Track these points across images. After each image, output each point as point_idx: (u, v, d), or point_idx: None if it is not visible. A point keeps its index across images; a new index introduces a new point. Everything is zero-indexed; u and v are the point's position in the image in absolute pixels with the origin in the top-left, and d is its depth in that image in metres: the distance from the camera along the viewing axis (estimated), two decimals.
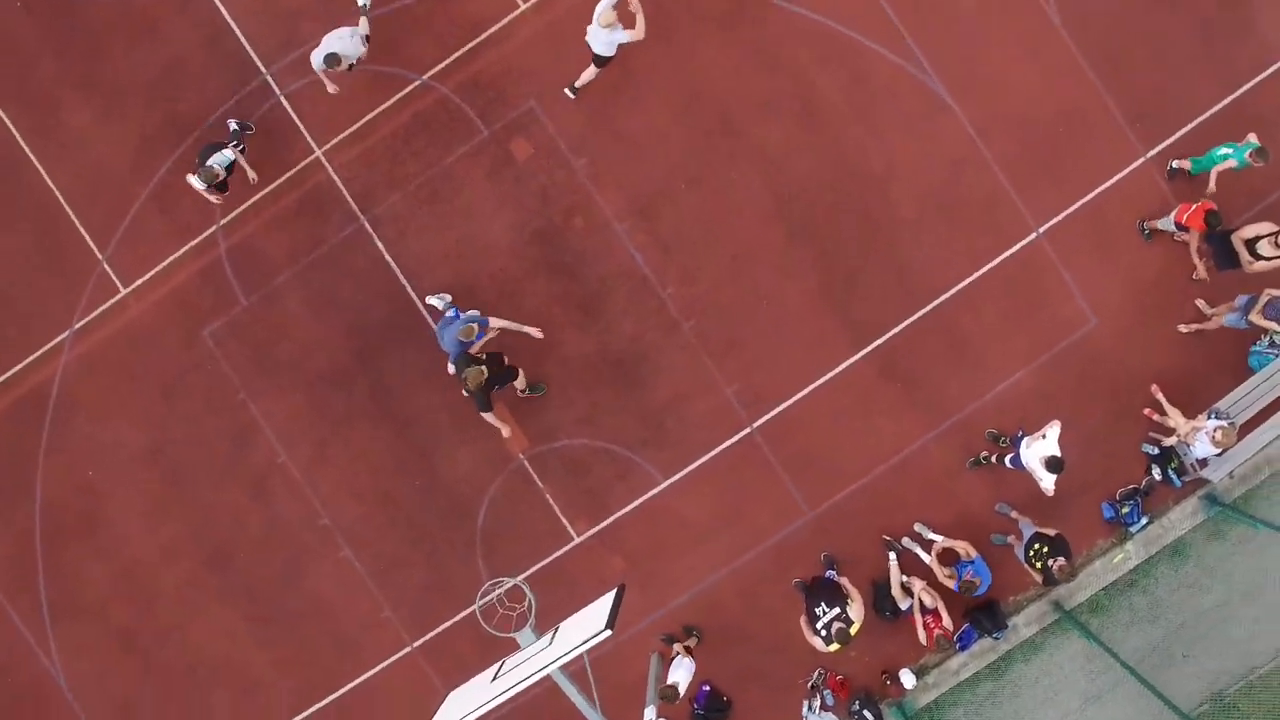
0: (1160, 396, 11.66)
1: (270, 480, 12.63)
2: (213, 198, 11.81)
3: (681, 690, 10.98)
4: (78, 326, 12.51)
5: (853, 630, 10.72)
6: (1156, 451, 12.05)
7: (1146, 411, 11.97)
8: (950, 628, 11.57)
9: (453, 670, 12.39)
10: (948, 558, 11.75)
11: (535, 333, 11.85)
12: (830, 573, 11.87)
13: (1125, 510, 12.14)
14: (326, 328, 12.43)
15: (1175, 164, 11.79)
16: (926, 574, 11.77)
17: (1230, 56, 11.98)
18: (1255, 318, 11.04)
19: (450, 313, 11.64)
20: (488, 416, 11.48)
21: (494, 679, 8.62)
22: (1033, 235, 12.10)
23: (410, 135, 12.19)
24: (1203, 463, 11.73)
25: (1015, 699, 12.44)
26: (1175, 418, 11.39)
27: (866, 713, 12.15)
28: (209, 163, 11.31)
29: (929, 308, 12.19)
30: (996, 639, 12.31)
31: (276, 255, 12.35)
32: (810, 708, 12.19)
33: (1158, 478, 12.12)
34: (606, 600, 8.51)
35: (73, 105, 12.33)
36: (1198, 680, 11.93)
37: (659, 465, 12.43)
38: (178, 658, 12.80)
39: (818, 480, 12.38)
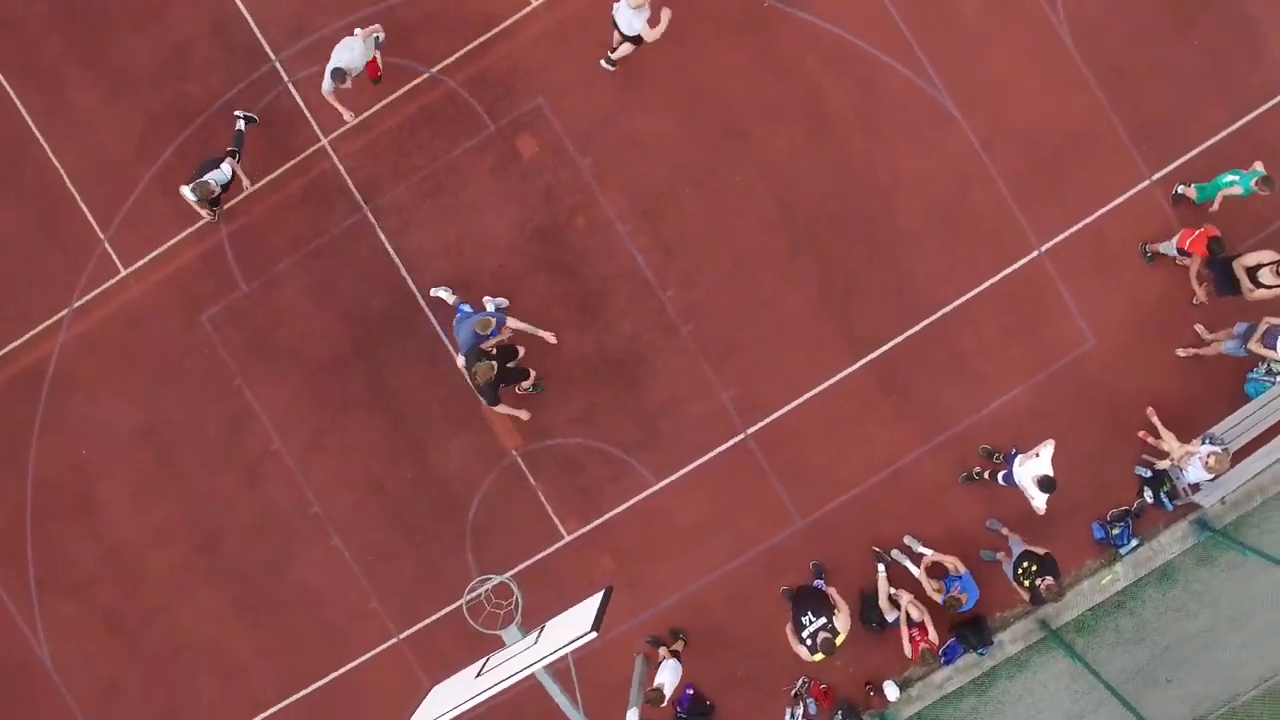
0: (1155, 419, 11.67)
1: (263, 466, 12.63)
2: (204, 213, 11.84)
3: (667, 693, 10.99)
4: (77, 305, 12.51)
5: (838, 641, 10.72)
6: (1149, 474, 12.06)
7: (1141, 434, 11.97)
8: (936, 641, 11.57)
9: (437, 664, 12.40)
10: (936, 571, 11.76)
11: (549, 338, 11.84)
12: (818, 582, 11.88)
13: (1116, 531, 12.14)
14: (325, 316, 12.43)
15: (1180, 190, 11.79)
16: (914, 587, 11.77)
17: (1239, 82, 11.97)
18: (1254, 346, 11.04)
19: (465, 307, 11.62)
20: (499, 409, 11.50)
21: (478, 675, 8.62)
22: (1035, 253, 12.10)
23: (416, 127, 12.19)
24: (1195, 487, 11.73)
25: (998, 715, 12.47)
26: (1169, 441, 11.40)
27: None
28: (205, 178, 11.25)
29: (928, 320, 12.19)
30: (981, 655, 12.31)
31: (278, 242, 12.35)
32: (793, 715, 12.22)
33: (1149, 500, 12.12)
34: (593, 602, 8.51)
35: (80, 84, 12.32)
36: (1180, 705, 11.97)
37: (652, 467, 12.44)
38: (164, 640, 12.80)
39: (810, 489, 12.39)
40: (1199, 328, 11.94)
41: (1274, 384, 11.65)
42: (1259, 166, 10.94)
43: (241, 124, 11.94)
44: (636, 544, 12.54)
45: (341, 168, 12.25)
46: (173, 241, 12.36)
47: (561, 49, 12.09)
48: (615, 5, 10.87)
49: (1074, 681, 12.21)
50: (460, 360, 11.43)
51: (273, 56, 12.20)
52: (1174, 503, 12.12)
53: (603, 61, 11.94)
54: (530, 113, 12.16)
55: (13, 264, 12.52)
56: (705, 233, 12.25)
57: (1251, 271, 10.80)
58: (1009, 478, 11.28)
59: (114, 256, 12.44)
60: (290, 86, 12.21)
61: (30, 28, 12.30)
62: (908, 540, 12.22)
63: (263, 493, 12.65)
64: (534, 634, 8.66)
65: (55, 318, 12.52)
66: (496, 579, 8.90)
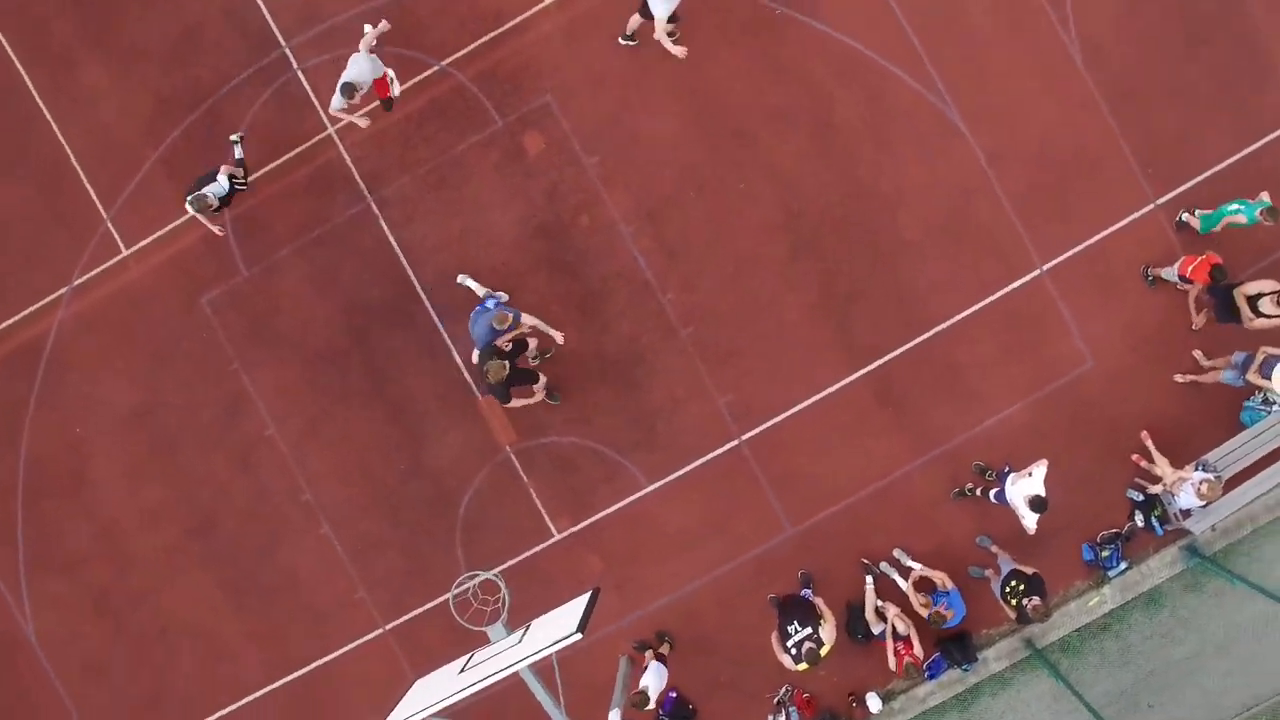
0: (1150, 444, 11.66)
1: (257, 452, 12.64)
2: (214, 227, 11.81)
3: (652, 696, 10.99)
4: (77, 283, 12.52)
5: (823, 652, 10.72)
6: (1141, 498, 12.06)
7: (1135, 457, 11.97)
8: (920, 656, 11.60)
9: (422, 656, 12.41)
10: (924, 586, 11.77)
11: (559, 337, 11.83)
12: (806, 591, 11.89)
13: (1105, 554, 12.14)
14: (325, 305, 12.43)
15: (1184, 217, 11.78)
16: (902, 600, 11.77)
17: (1249, 109, 11.96)
18: (1253, 376, 11.06)
19: (490, 301, 11.62)
20: (513, 404, 11.52)
21: (461, 671, 8.63)
22: (1036, 271, 12.09)
23: (424, 120, 12.18)
24: (1186, 513, 11.74)
25: None
26: (1163, 466, 11.40)
27: None
28: (203, 191, 11.23)
29: (927, 334, 12.18)
30: (965, 671, 12.32)
31: (281, 228, 12.35)
32: None
33: (1140, 524, 12.12)
34: (580, 603, 8.52)
35: (89, 64, 12.32)
36: None
37: (645, 469, 12.44)
38: (150, 621, 12.81)
39: (802, 497, 12.39)
40: (1197, 354, 11.93)
41: (1269, 413, 11.65)
42: (1265, 197, 10.91)
43: (239, 150, 11.86)
44: (626, 545, 12.54)
45: (347, 157, 12.25)
46: (176, 224, 12.34)
47: (572, 47, 12.08)
48: None
49: (1056, 702, 12.22)
50: (476, 355, 11.44)
51: (283, 43, 12.19)
52: (1165, 528, 12.13)
53: (621, 39, 11.87)
54: (538, 110, 12.16)
55: (15, 240, 12.52)
56: (708, 236, 12.24)
57: (1252, 300, 10.79)
58: (1001, 496, 11.29)
59: (116, 236, 12.44)
60: (299, 73, 12.20)
61: (41, 6, 12.29)
62: (897, 553, 12.23)
63: (255, 478, 12.66)
64: (519, 632, 8.67)
65: (55, 295, 12.52)
66: (484, 575, 8.89)
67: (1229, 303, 10.99)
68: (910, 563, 12.08)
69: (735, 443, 12.35)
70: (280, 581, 12.74)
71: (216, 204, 11.34)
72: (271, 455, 12.63)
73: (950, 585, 11.54)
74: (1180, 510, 11.72)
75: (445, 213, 12.31)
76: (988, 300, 12.14)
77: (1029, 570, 11.05)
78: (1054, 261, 12.07)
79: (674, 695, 12.27)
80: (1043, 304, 12.12)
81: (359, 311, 12.42)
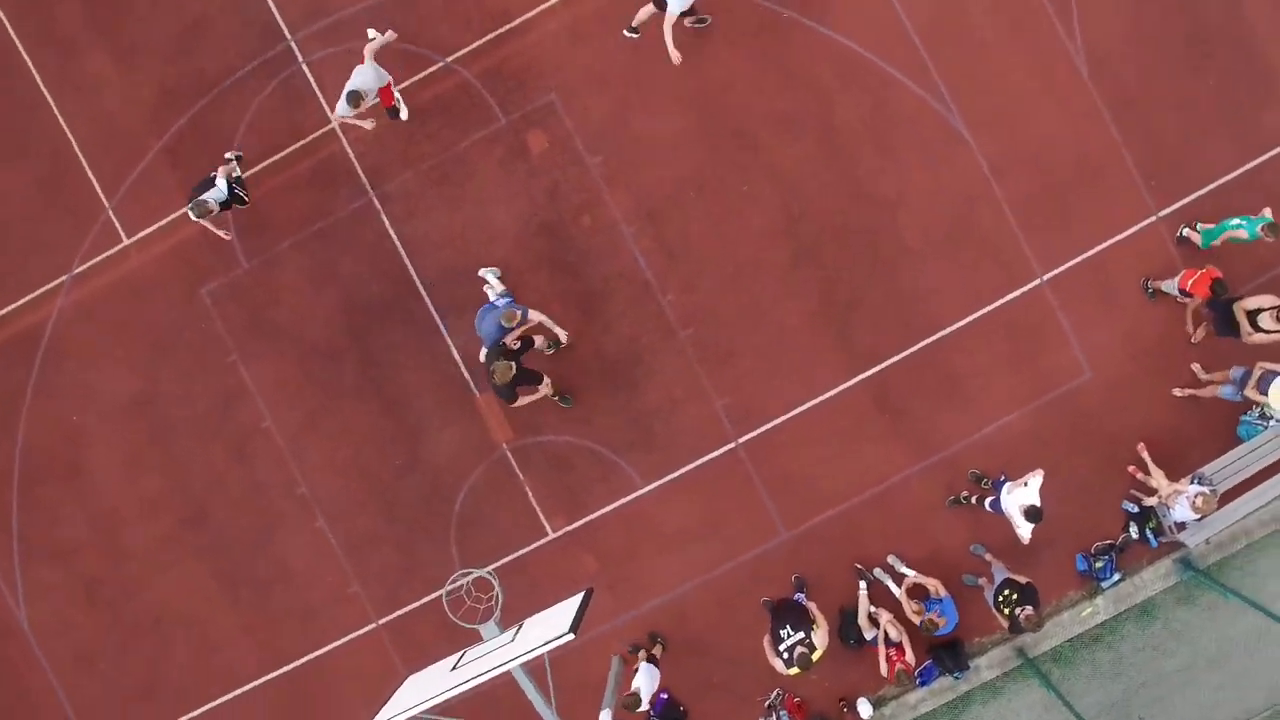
0: (1146, 456, 11.67)
1: (253, 444, 12.64)
2: (219, 231, 11.89)
3: (644, 698, 10.99)
4: (77, 271, 12.52)
5: (814, 656, 10.73)
6: (1136, 510, 12.06)
7: (1131, 469, 11.97)
8: (912, 662, 11.57)
9: (415, 652, 12.41)
10: (917, 593, 11.76)
11: (564, 335, 11.80)
12: (799, 595, 11.89)
13: (1099, 565, 12.14)
14: (324, 299, 12.44)
15: (1185, 232, 11.79)
16: (895, 607, 11.78)
17: (1252, 124, 11.94)
18: (1250, 392, 11.07)
19: (500, 300, 11.59)
20: (520, 402, 11.51)
21: (454, 668, 8.65)
22: (1037, 281, 12.09)
23: (428, 116, 12.18)
24: (1181, 526, 11.74)
25: None
26: (1158, 478, 11.40)
27: None
28: (203, 197, 11.25)
29: (926, 341, 12.17)
30: (957, 678, 12.33)
31: (282, 221, 12.36)
32: None
33: (1135, 536, 12.13)
34: (573, 603, 8.54)
35: (95, 51, 12.33)
36: None
37: (641, 470, 12.44)
38: (143, 611, 12.83)
39: (797, 502, 12.39)
40: (1195, 367, 11.94)
41: (1266, 428, 11.66)
42: (1267, 213, 10.91)
43: (236, 168, 11.87)
44: (621, 545, 12.54)
45: (350, 151, 12.25)
46: (178, 214, 12.33)
47: (578, 47, 12.09)
48: None
49: (1047, 712, 12.21)
50: (484, 353, 11.43)
51: (288, 36, 12.20)
52: (1159, 540, 12.14)
53: (626, 31, 11.83)
54: (542, 108, 12.16)
55: (16, 227, 12.55)
56: (709, 238, 12.25)
57: (1252, 315, 10.79)
58: (996, 504, 11.28)
59: (118, 225, 12.45)
60: (304, 67, 12.21)
61: None
62: (891, 560, 12.24)
63: (251, 470, 12.67)
64: (512, 630, 8.70)
65: (55, 283, 12.55)
66: (478, 573, 8.91)
67: (1228, 317, 10.98)
68: (904, 569, 12.08)
69: (732, 445, 12.36)
70: (274, 574, 12.75)
71: (218, 209, 11.37)
72: (268, 448, 12.64)
73: (943, 592, 11.53)
74: (1175, 523, 11.72)
75: (447, 209, 12.32)
76: (987, 308, 12.13)
77: (1022, 579, 11.05)
78: (1054, 271, 12.07)
79: (665, 696, 12.27)
80: (1042, 313, 12.12)
81: (358, 306, 12.43)
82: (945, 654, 12.21)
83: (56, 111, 12.39)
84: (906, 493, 12.32)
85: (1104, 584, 12.28)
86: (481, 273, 12.13)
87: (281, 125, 12.21)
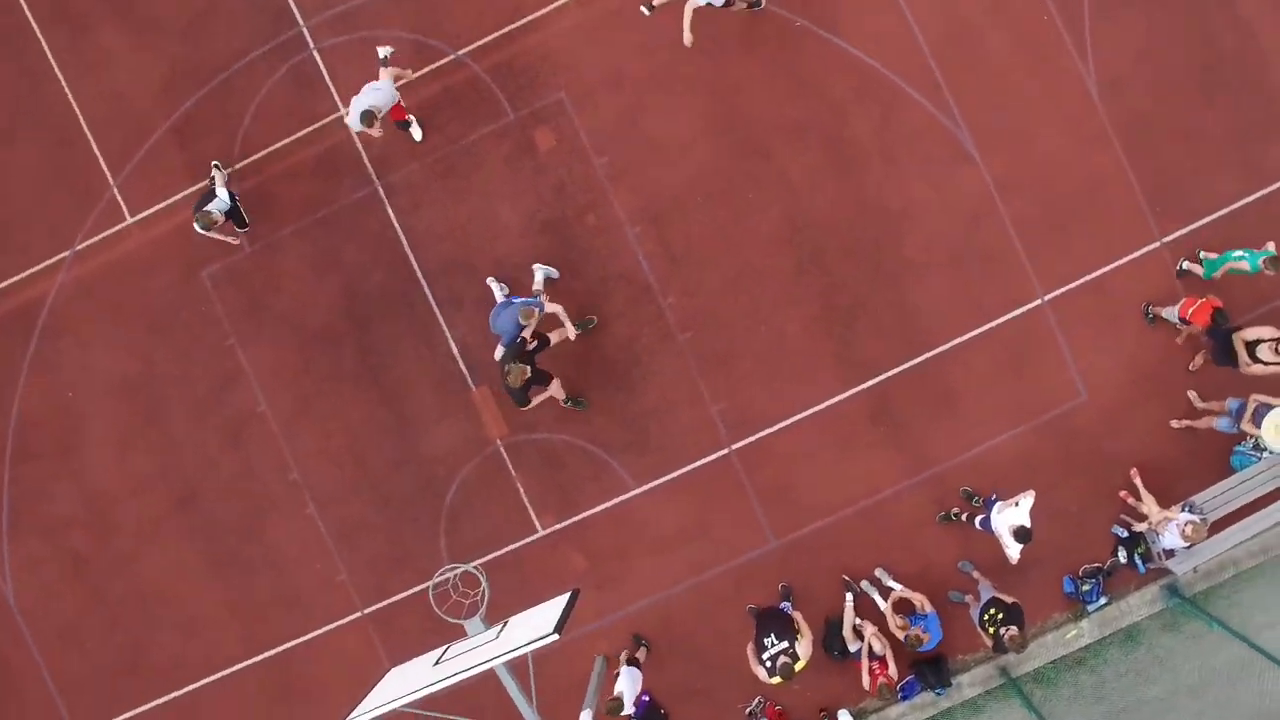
0: (1138, 481, 11.67)
1: (247, 428, 12.65)
2: (228, 238, 11.99)
3: (626, 702, 10.98)
4: (79, 248, 12.52)
5: (797, 666, 10.74)
6: (1126, 535, 12.07)
7: (1122, 494, 11.99)
8: (895, 676, 11.60)
9: (399, 643, 12.44)
10: (903, 608, 11.76)
11: (571, 333, 11.79)
12: (785, 604, 11.89)
13: (1086, 587, 12.15)
14: (325, 286, 12.44)
15: (1186, 265, 11.80)
16: (880, 620, 11.78)
17: (1260, 154, 11.95)
18: (1246, 425, 11.11)
19: (516, 298, 11.56)
20: (531, 404, 11.52)
21: (436, 663, 8.64)
22: (1037, 301, 12.09)
23: (437, 108, 12.18)
24: (1169, 553, 11.74)
25: None
26: (1149, 505, 11.41)
27: None
28: (207, 208, 11.32)
29: (925, 356, 12.18)
30: (939, 694, 12.34)
31: (286, 207, 12.36)
32: None
33: (1123, 561, 12.13)
34: (559, 603, 8.53)
35: (106, 28, 12.34)
36: None
37: (634, 471, 12.44)
38: (129, 589, 12.82)
39: (788, 510, 12.39)
40: (1192, 395, 11.95)
41: (1259, 459, 11.67)
42: (1270, 247, 10.92)
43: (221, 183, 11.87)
44: (609, 546, 12.55)
45: (357, 140, 12.24)
46: (182, 195, 12.35)
47: (590, 46, 12.09)
48: None
49: None
50: (499, 352, 11.43)
51: (301, 22, 12.19)
52: (1147, 565, 12.15)
53: (643, 8, 11.74)
54: (551, 106, 12.15)
55: (19, 201, 12.55)
56: (712, 243, 12.25)
57: (1250, 346, 10.80)
58: (986, 523, 11.29)
59: (122, 203, 12.45)
60: (315, 53, 12.21)
61: None
62: (879, 573, 12.24)
63: (244, 454, 12.67)
64: (497, 627, 8.68)
65: (56, 258, 12.55)
66: (465, 567, 8.92)
67: (1227, 347, 10.99)
68: (891, 583, 12.09)
69: (725, 451, 12.36)
70: (263, 558, 12.76)
71: (222, 219, 11.43)
72: (262, 432, 12.64)
73: (929, 608, 11.54)
74: (1164, 550, 11.73)
75: (451, 201, 12.31)
76: (987, 326, 12.14)
77: (1009, 599, 11.06)
78: (1056, 292, 12.07)
79: (647, 699, 12.26)
80: (1042, 334, 12.12)
81: (358, 295, 12.42)
82: (928, 669, 12.22)
83: (66, 87, 12.38)
84: (897, 506, 12.32)
85: (1090, 607, 12.30)
86: (536, 269, 12.10)
87: (290, 111, 12.21)
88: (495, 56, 12.13)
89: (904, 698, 12.31)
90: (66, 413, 12.70)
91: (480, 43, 12.12)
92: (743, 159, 12.16)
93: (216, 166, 11.90)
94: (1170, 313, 11.57)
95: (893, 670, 11.51)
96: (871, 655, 11.56)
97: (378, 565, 12.68)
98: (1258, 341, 10.75)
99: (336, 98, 12.18)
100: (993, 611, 11.00)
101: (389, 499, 12.63)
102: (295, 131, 12.25)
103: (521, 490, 12.53)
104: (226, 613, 12.81)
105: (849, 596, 11.95)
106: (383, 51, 11.59)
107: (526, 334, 11.07)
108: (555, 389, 11.70)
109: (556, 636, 7.95)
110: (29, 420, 12.72)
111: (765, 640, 10.95)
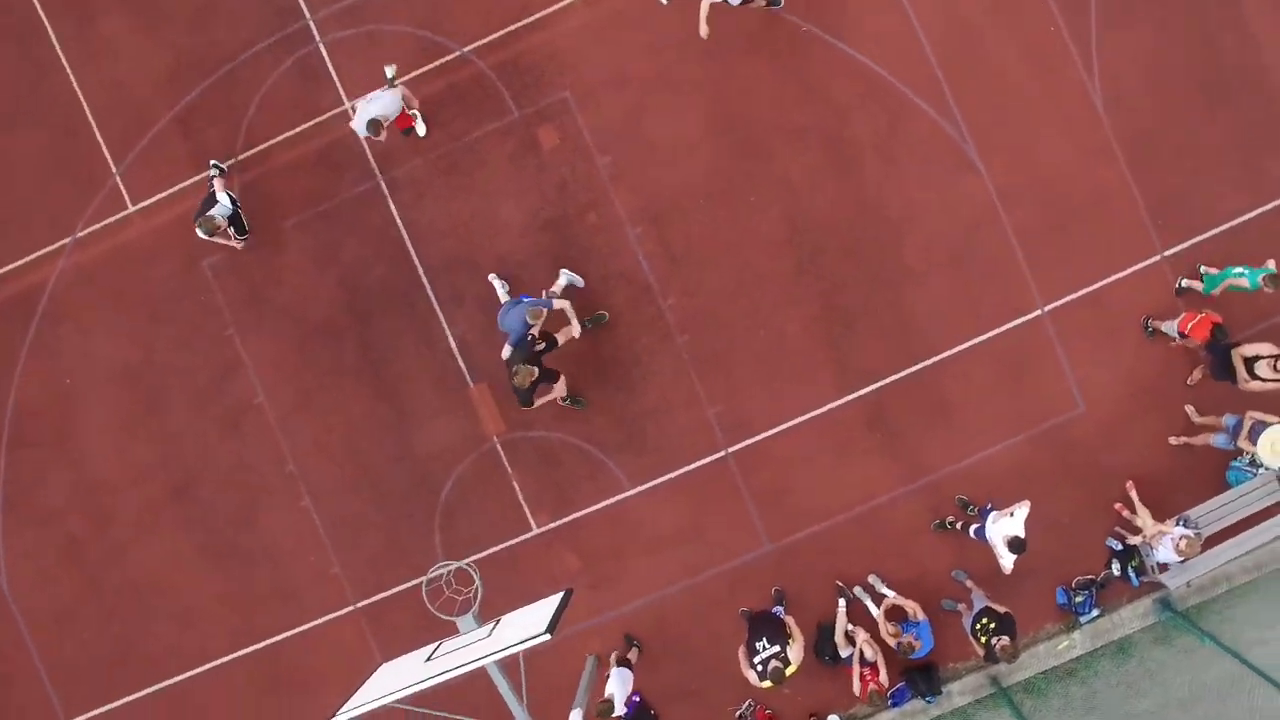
0: (1134, 494, 11.68)
1: (245, 419, 12.64)
2: (231, 242, 12.03)
3: (617, 704, 10.99)
4: (80, 235, 12.51)
5: (788, 671, 10.75)
6: (1120, 547, 12.07)
7: (1117, 506, 11.99)
8: (885, 683, 11.60)
9: (391, 638, 12.44)
10: (895, 615, 11.77)
11: (577, 331, 11.73)
12: (778, 609, 11.90)
13: (1079, 599, 12.16)
14: (325, 279, 12.44)
15: (1185, 283, 11.81)
16: (872, 626, 11.79)
17: (1263, 171, 11.95)
18: (1243, 442, 11.14)
19: (526, 296, 11.56)
20: (536, 404, 11.52)
21: (428, 659, 8.66)
22: (1037, 311, 12.09)
23: (441, 104, 12.18)
24: (1163, 567, 11.75)
25: None
26: (1144, 518, 11.42)
27: None
28: (210, 213, 11.34)
29: (923, 364, 12.18)
30: (929, 702, 12.35)
31: (289, 199, 12.36)
32: None
33: (1116, 573, 12.13)
34: (551, 602, 8.54)
35: (113, 17, 12.33)
36: None
37: (630, 471, 12.44)
38: (123, 578, 12.82)
39: (783, 515, 12.39)
40: (1189, 409, 11.95)
41: (1255, 475, 11.68)
42: (1271, 264, 10.93)
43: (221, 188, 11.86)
44: (604, 545, 12.55)
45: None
46: (184, 184, 12.36)
47: (596, 46, 12.08)
48: None
49: None
50: (506, 350, 11.41)
51: (307, 15, 12.19)
52: (1140, 579, 12.14)
53: None
54: (556, 105, 12.15)
55: (21, 187, 12.54)
56: (713, 245, 12.25)
57: (1249, 362, 10.81)
58: (981, 532, 11.30)
59: (124, 191, 12.45)
60: (321, 46, 12.20)
61: None
62: (872, 579, 12.25)
63: (241, 445, 12.67)
64: (489, 625, 8.70)
65: (56, 245, 12.54)
66: (458, 565, 8.92)
67: (1226, 362, 11.00)
68: (884, 589, 12.09)
69: (722, 454, 12.36)
70: (257, 550, 12.75)
71: (225, 223, 11.44)
72: (259, 424, 12.64)
73: (921, 616, 11.55)
74: (1157, 563, 11.74)
75: (454, 197, 12.31)
76: (986, 335, 12.14)
77: (1001, 609, 11.07)
78: (1056, 303, 12.07)
79: (637, 699, 12.28)
80: (1040, 344, 12.12)
81: (359, 289, 12.42)
82: (919, 677, 12.22)
83: (71, 74, 12.38)
84: (892, 513, 12.33)
85: (1082, 619, 12.30)
86: (563, 273, 12.12)
87: (295, 103, 12.21)
88: (501, 54, 12.13)
89: (894, 704, 12.30)
90: (64, 400, 12.70)
91: (486, 40, 12.12)
92: (745, 161, 12.15)
93: (216, 170, 11.90)
94: (1170, 326, 11.58)
95: (884, 677, 11.51)
96: (863, 661, 11.55)
97: (372, 559, 12.68)
98: (1256, 358, 10.77)
99: (342, 91, 12.19)
100: (985, 621, 11.03)
101: (385, 494, 12.63)
102: (299, 124, 12.25)
103: (517, 488, 12.53)
104: (219, 603, 12.80)
105: (842, 602, 11.96)
106: (389, 71, 11.60)
107: (534, 333, 11.06)
108: (560, 388, 11.70)
109: (549, 636, 7.96)
110: (26, 407, 12.71)
111: (757, 644, 10.97)
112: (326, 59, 12.20)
